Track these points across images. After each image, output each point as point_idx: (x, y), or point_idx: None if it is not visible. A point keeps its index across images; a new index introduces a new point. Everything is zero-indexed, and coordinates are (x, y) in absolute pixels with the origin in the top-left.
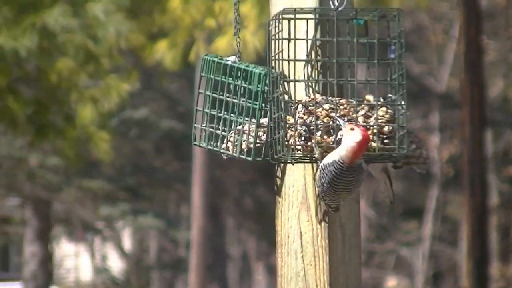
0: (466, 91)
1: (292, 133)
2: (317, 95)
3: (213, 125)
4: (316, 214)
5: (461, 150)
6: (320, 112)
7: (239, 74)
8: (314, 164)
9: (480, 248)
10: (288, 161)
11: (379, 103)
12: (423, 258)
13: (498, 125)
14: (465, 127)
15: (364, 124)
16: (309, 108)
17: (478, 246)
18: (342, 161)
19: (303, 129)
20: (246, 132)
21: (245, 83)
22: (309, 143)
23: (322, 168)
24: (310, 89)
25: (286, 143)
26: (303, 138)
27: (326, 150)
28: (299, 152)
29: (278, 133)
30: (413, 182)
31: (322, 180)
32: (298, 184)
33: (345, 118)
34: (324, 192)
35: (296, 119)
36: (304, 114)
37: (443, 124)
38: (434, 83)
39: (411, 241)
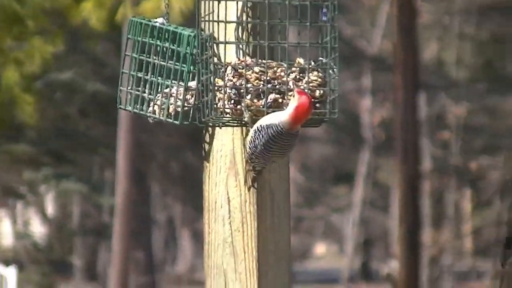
0: (399, 54)
1: (221, 96)
2: (247, 58)
3: (140, 88)
4: (245, 180)
5: (393, 114)
6: (250, 75)
7: (167, 36)
8: (244, 128)
9: (412, 215)
10: (216, 125)
11: (310, 66)
12: (354, 224)
13: (431, 89)
14: (398, 91)
15: (295, 87)
16: (239, 70)
17: (410, 212)
18: (282, 126)
19: (233, 92)
20: (174, 95)
21: (173, 45)
22: (238, 106)
23: (258, 130)
24: (241, 51)
25: (215, 106)
26: (232, 101)
27: (256, 113)
28: (228, 115)
29: (207, 96)
30: (344, 146)
31: (257, 141)
32: (226, 148)
33: (275, 82)
34: (255, 154)
35: (226, 82)
36: (233, 76)
37: (375, 87)
38: (366, 46)
39: (341, 206)
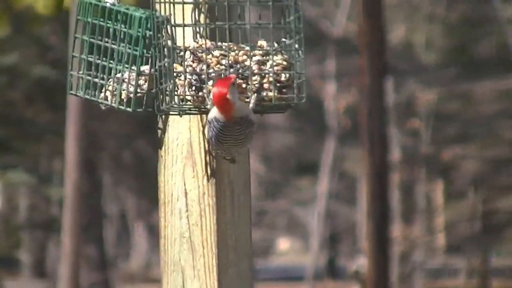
0: (364, 36)
1: (181, 82)
2: (207, 41)
3: (91, 73)
4: (203, 170)
5: (359, 100)
6: (211, 59)
7: (118, 18)
8: (202, 116)
9: (381, 208)
10: (176, 113)
11: (273, 48)
12: (319, 218)
13: (400, 73)
14: (364, 76)
15: (259, 72)
16: (198, 55)
17: (378, 206)
18: (217, 118)
19: (194, 78)
20: (126, 80)
21: (125, 27)
22: (200, 93)
23: (209, 122)
24: (198, 34)
25: (176, 93)
26: (193, 87)
27: None
28: (189, 103)
29: (165, 82)
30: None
31: (210, 133)
32: (182, 137)
33: (238, 66)
34: (213, 145)
35: (185, 67)
36: (193, 61)
37: (340, 71)
38: (330, 27)
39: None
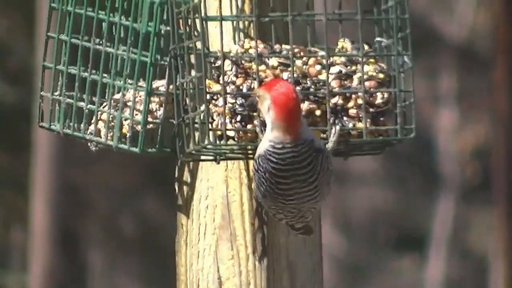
0: (504, 36)
1: (219, 109)
2: (257, 43)
3: (73, 94)
4: (247, 247)
5: (494, 135)
6: (264, 72)
7: (116, 5)
8: (250, 163)
9: None
10: (210, 158)
11: (363, 52)
12: None
13: None
14: (501, 97)
15: (341, 90)
16: (245, 65)
17: None
18: (274, 144)
19: (238, 102)
20: (130, 104)
21: (128, 20)
22: (249, 126)
23: (256, 170)
24: (243, 33)
25: (210, 126)
26: (238, 117)
27: None
28: (230, 141)
29: (192, 110)
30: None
31: (262, 188)
32: (215, 194)
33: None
34: (272, 207)
35: (225, 85)
36: (236, 75)
37: (462, 91)
38: (447, 24)
39: None
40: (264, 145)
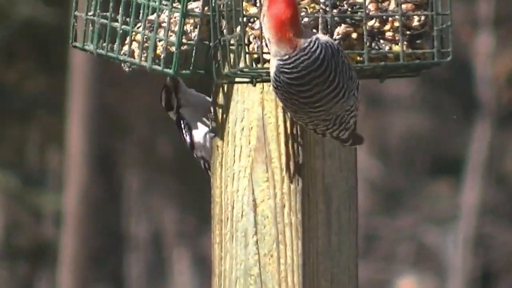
0: None
1: (256, 32)
2: None
3: (107, 14)
4: (282, 169)
5: None
6: None
7: None
8: None
9: None
10: (246, 80)
11: None
12: (465, 246)
13: None
14: None
15: (378, 13)
16: None
17: None
18: (281, 57)
19: None
20: (165, 25)
21: None
22: None
23: (275, 88)
24: None
25: (247, 49)
26: None
27: None
28: (267, 64)
29: (228, 32)
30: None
31: (288, 104)
32: (251, 116)
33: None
34: (309, 123)
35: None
36: None
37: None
38: None
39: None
40: (273, 62)
